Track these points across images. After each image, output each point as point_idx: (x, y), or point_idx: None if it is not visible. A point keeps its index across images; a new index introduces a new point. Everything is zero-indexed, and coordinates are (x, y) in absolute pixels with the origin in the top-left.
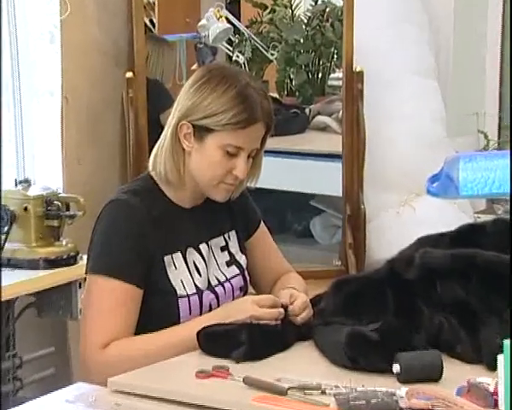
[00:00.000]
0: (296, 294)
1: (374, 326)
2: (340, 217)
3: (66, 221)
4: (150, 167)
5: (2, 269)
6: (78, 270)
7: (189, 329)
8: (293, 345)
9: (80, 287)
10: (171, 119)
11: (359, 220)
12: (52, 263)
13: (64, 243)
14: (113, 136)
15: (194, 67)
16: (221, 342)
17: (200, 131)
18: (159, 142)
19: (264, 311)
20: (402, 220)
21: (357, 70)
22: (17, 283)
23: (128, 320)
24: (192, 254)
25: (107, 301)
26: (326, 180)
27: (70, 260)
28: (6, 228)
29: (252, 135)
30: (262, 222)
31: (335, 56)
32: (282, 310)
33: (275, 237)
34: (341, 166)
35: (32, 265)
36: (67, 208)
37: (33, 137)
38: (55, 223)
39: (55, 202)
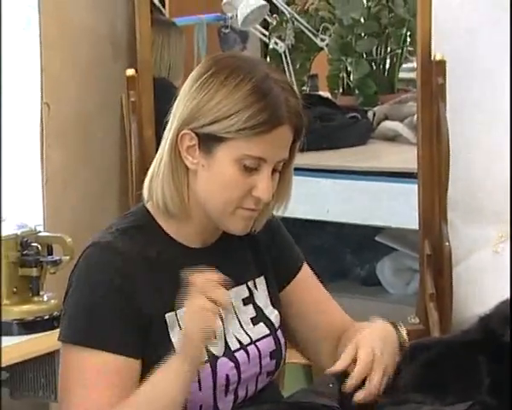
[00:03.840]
0: (352, 353)
1: (462, 407)
2: (416, 257)
3: (48, 269)
4: (145, 197)
5: None
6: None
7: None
8: None
9: None
10: (168, 129)
11: (443, 262)
12: (29, 327)
13: (45, 298)
14: (110, 153)
15: None
16: None
17: (208, 142)
18: (154, 161)
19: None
20: (502, 262)
21: (437, 59)
22: None
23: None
24: None
25: (96, 380)
26: (397, 208)
27: (53, 322)
28: None
29: (276, 142)
30: (305, 262)
31: (408, 40)
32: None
33: (328, 286)
34: (417, 188)
35: (3, 329)
36: (50, 252)
37: (3, 156)
38: (34, 272)
39: (34, 244)
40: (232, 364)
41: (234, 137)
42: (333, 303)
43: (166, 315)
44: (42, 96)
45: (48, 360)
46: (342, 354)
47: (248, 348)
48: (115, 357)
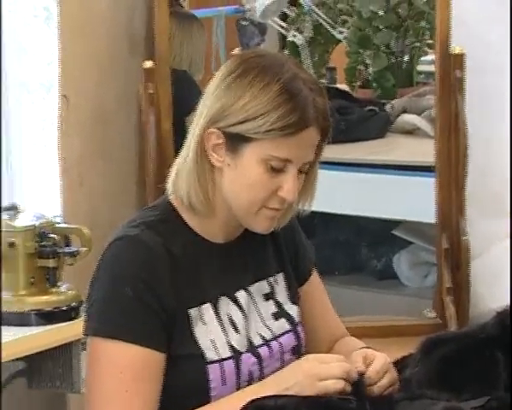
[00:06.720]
0: (372, 354)
1: (478, 403)
2: (433, 251)
3: (65, 260)
4: (170, 191)
5: None
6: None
7: (232, 404)
8: None
9: (85, 349)
10: (194, 126)
11: (460, 256)
12: (47, 317)
13: (63, 289)
14: (128, 146)
15: (235, 51)
16: None
17: (235, 141)
18: (179, 157)
19: (333, 382)
20: None
21: (456, 52)
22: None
23: (152, 397)
24: (226, 305)
25: (123, 373)
26: (414, 202)
27: (71, 313)
28: None
29: (303, 144)
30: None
31: (427, 34)
32: (354, 375)
33: (345, 279)
34: (435, 182)
35: (21, 320)
36: (67, 243)
37: (22, 148)
38: (51, 263)
39: (51, 235)
40: (255, 359)
41: (261, 138)
42: (333, 311)
43: (190, 310)
44: (60, 88)
45: (65, 351)
46: (355, 357)
47: (271, 343)
48: (144, 350)
